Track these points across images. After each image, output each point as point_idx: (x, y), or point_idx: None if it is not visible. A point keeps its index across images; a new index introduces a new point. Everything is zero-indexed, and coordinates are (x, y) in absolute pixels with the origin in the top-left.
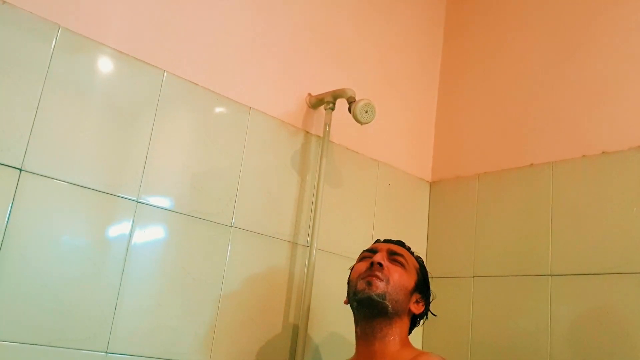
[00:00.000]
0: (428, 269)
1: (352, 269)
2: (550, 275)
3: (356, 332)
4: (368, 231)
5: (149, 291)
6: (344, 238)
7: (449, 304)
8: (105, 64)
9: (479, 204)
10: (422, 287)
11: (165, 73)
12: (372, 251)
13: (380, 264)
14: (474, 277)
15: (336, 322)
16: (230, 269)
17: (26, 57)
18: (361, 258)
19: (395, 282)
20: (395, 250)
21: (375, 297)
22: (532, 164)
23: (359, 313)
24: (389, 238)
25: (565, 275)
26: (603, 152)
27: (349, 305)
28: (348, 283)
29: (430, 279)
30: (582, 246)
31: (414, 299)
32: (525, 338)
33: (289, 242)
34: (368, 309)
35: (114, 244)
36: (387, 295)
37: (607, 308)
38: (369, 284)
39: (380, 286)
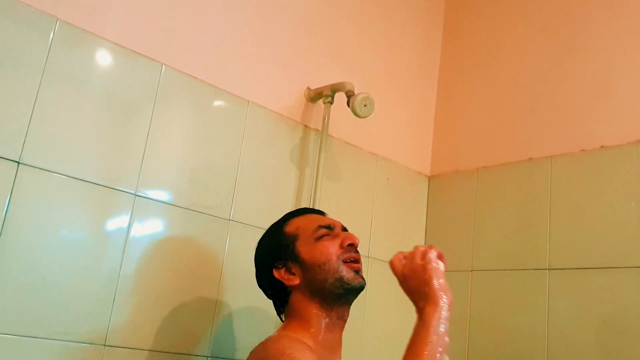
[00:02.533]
0: None
1: (290, 243)
2: (549, 269)
3: (329, 314)
4: (367, 225)
5: (147, 284)
6: None
7: None
8: (103, 57)
9: (477, 198)
10: None
11: (163, 66)
12: (329, 227)
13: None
14: (472, 271)
15: None
16: (229, 263)
17: (24, 50)
18: (321, 236)
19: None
20: (345, 226)
21: (364, 284)
22: (530, 158)
23: (339, 299)
24: (307, 207)
25: (563, 269)
26: (602, 147)
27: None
28: (311, 263)
29: None
30: (580, 240)
31: None
32: (523, 331)
33: None
34: (354, 297)
35: (112, 237)
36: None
37: (604, 302)
38: (357, 272)
39: (362, 272)
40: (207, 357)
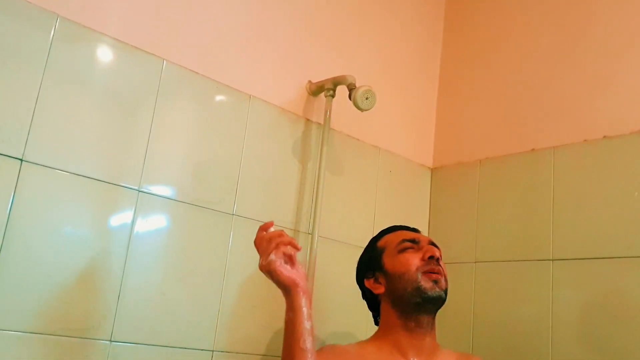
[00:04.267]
0: None
1: (378, 255)
2: (552, 260)
3: (407, 324)
4: (370, 218)
5: (152, 280)
6: (345, 225)
7: (450, 290)
8: (104, 53)
9: (480, 190)
10: None
11: (164, 62)
12: (413, 241)
13: (437, 260)
14: (475, 262)
15: (339, 309)
16: (233, 257)
17: (25, 48)
18: (404, 248)
19: (447, 277)
20: (433, 241)
21: (444, 295)
22: (533, 149)
23: (418, 308)
24: (403, 224)
25: (567, 259)
26: (604, 137)
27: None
28: (393, 274)
29: None
30: (584, 231)
31: None
32: (527, 322)
33: (291, 229)
34: (433, 306)
35: (116, 233)
36: (447, 291)
37: (608, 292)
38: (436, 282)
39: (443, 284)
40: (212, 351)
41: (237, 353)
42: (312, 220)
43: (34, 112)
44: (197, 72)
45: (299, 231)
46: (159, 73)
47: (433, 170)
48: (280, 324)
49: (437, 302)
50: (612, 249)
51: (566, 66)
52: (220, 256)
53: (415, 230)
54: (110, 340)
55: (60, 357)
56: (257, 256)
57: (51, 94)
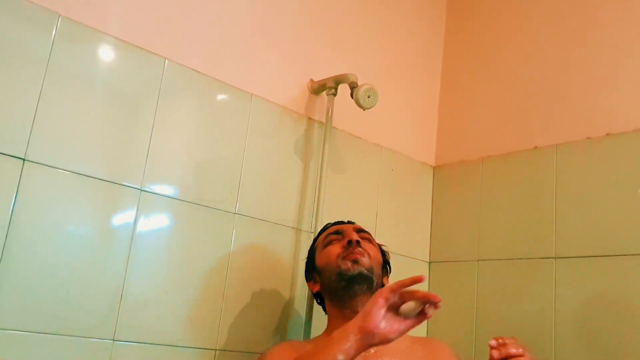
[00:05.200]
0: (432, 254)
1: (313, 256)
2: (555, 258)
3: (343, 312)
4: (372, 216)
5: (155, 279)
6: None
7: (453, 288)
8: (106, 53)
9: (483, 188)
10: (385, 261)
11: (166, 61)
12: (338, 233)
13: (357, 242)
14: (478, 260)
15: None
16: (235, 256)
17: (27, 47)
18: (329, 242)
19: (373, 256)
20: (360, 228)
21: (365, 272)
22: (536, 147)
23: (346, 292)
24: (338, 220)
25: (569, 257)
26: (607, 134)
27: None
28: (321, 268)
29: (435, 264)
30: (587, 228)
31: (383, 273)
32: (530, 321)
33: (293, 228)
34: (359, 285)
35: (118, 232)
36: (373, 269)
37: (611, 290)
38: (355, 262)
39: (365, 262)
40: (215, 350)
41: (239, 352)
42: (314, 219)
43: (35, 111)
44: (198, 71)
45: (301, 230)
46: (160, 72)
47: (435, 169)
48: (282, 321)
49: (360, 280)
50: (615, 247)
51: (569, 64)
52: (223, 255)
53: (350, 223)
54: (113, 340)
55: (63, 356)
56: (259, 253)
57: (53, 93)
